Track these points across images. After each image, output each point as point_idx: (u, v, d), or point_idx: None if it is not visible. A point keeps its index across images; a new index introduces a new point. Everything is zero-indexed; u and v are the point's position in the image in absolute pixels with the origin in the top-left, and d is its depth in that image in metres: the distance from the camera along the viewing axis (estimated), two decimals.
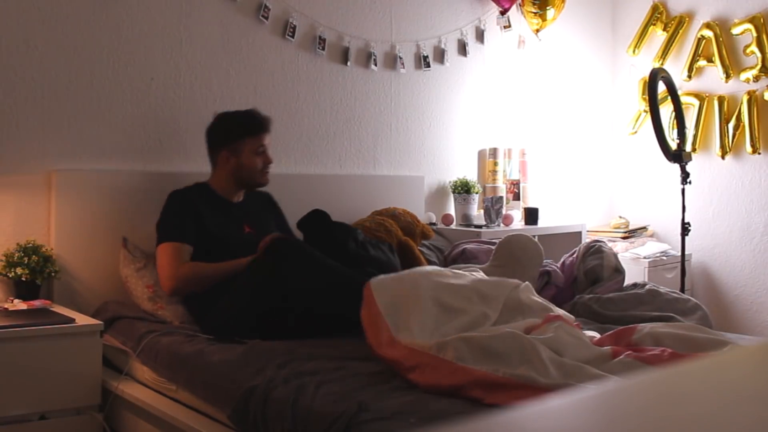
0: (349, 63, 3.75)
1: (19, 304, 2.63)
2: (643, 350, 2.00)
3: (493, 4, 4.26)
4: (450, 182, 4.08)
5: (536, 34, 4.41)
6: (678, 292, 2.93)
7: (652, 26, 4.75)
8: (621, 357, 1.95)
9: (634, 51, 4.82)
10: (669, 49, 4.67)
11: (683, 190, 3.72)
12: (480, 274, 2.57)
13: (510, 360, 1.85)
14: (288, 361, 2.14)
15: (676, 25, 4.64)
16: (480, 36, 4.28)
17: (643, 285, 2.94)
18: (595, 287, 2.94)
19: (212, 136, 2.91)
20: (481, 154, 4.32)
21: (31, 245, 2.74)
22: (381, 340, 2.04)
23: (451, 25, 4.16)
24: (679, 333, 2.13)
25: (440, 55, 4.10)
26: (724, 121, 4.43)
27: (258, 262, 2.53)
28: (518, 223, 4.14)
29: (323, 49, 3.64)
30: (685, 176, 3.70)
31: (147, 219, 3.03)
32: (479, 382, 1.79)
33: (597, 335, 2.30)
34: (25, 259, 2.70)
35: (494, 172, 4.27)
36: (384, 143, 3.90)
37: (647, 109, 4.40)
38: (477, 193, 4.03)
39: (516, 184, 4.32)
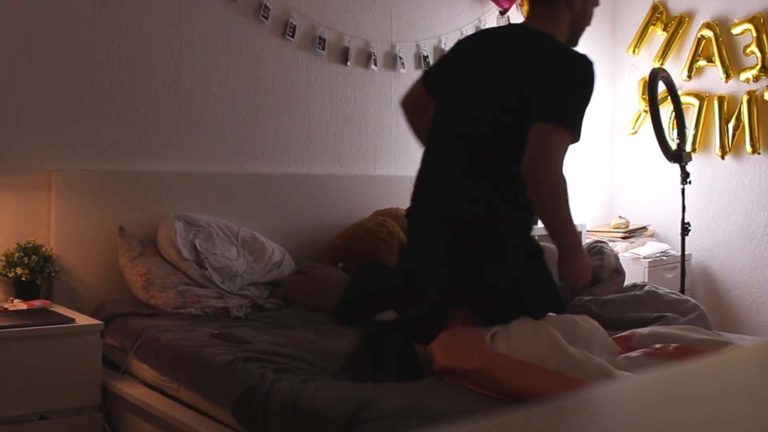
0: (349, 63, 3.74)
1: (19, 304, 2.63)
2: (647, 348, 2.01)
3: (493, 4, 4.26)
4: None
5: None
6: (677, 292, 2.92)
7: (652, 26, 4.75)
8: (629, 354, 1.95)
9: (634, 51, 4.82)
10: (669, 49, 4.66)
11: (683, 190, 3.71)
12: None
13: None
14: (292, 360, 2.15)
15: (676, 25, 4.63)
16: None
17: (642, 286, 2.93)
18: (595, 288, 2.93)
19: None
20: None
21: (31, 245, 2.74)
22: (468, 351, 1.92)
23: (451, 25, 4.16)
24: (679, 334, 2.13)
25: (440, 55, 4.10)
26: (724, 121, 4.42)
27: None
28: None
29: (323, 49, 3.64)
30: (685, 176, 3.69)
31: (147, 218, 3.04)
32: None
33: None
34: (25, 259, 2.70)
35: None
36: (384, 143, 3.90)
37: (647, 109, 4.40)
38: None
39: None
